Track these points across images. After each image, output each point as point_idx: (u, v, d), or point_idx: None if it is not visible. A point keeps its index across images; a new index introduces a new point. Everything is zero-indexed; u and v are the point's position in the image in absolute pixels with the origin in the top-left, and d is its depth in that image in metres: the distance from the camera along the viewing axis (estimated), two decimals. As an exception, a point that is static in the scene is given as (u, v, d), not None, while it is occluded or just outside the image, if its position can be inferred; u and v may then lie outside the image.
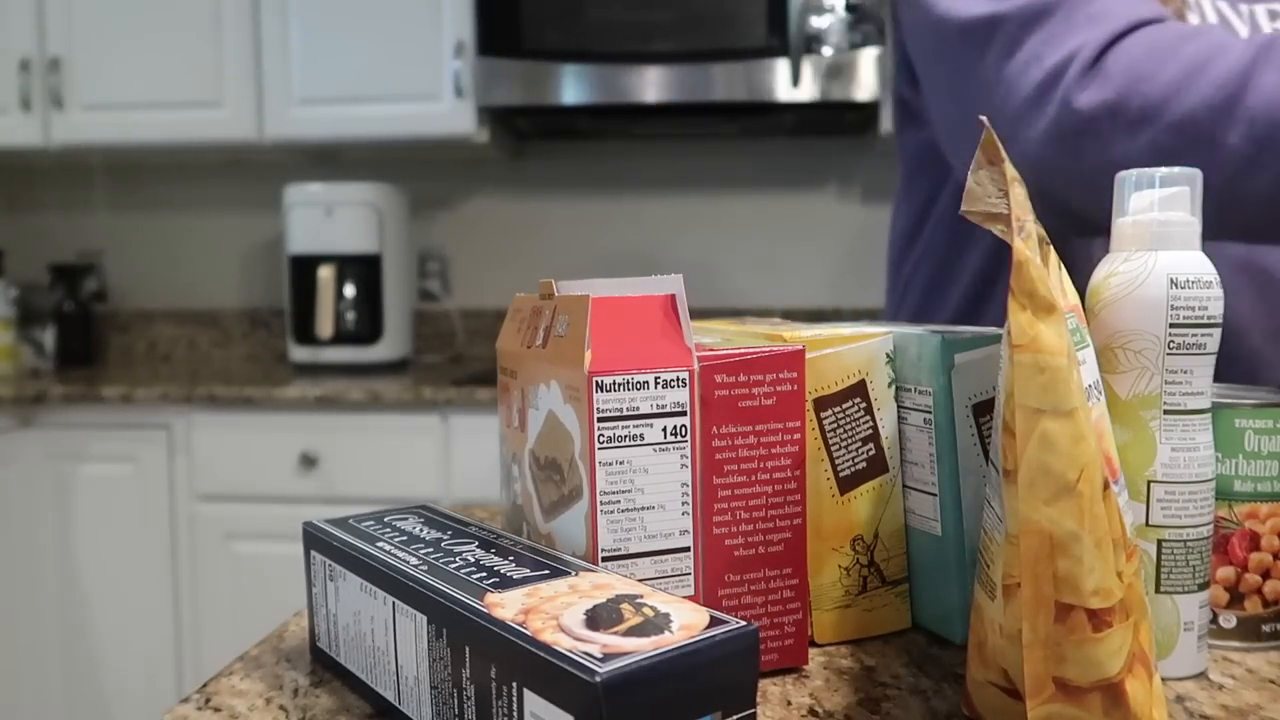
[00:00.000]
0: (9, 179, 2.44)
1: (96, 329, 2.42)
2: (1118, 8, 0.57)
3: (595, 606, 0.32)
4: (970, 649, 0.38)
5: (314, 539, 0.44)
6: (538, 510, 0.44)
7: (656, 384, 0.39)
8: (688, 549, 0.40)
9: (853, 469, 0.46)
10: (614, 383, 0.38)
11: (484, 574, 0.36)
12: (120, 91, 2.05)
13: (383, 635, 0.38)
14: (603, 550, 0.39)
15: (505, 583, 0.35)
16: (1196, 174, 0.42)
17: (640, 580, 0.40)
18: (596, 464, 0.38)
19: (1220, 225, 0.55)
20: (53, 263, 2.40)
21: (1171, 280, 0.40)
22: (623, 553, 0.39)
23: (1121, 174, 0.43)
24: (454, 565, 0.37)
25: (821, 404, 0.45)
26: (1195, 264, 0.41)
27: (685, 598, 0.40)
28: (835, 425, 0.46)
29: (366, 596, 0.39)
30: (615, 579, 0.35)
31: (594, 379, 0.38)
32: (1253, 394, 0.48)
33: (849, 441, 0.46)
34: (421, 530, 0.42)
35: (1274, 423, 0.44)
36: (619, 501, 0.39)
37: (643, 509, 0.39)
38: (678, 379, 0.39)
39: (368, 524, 0.44)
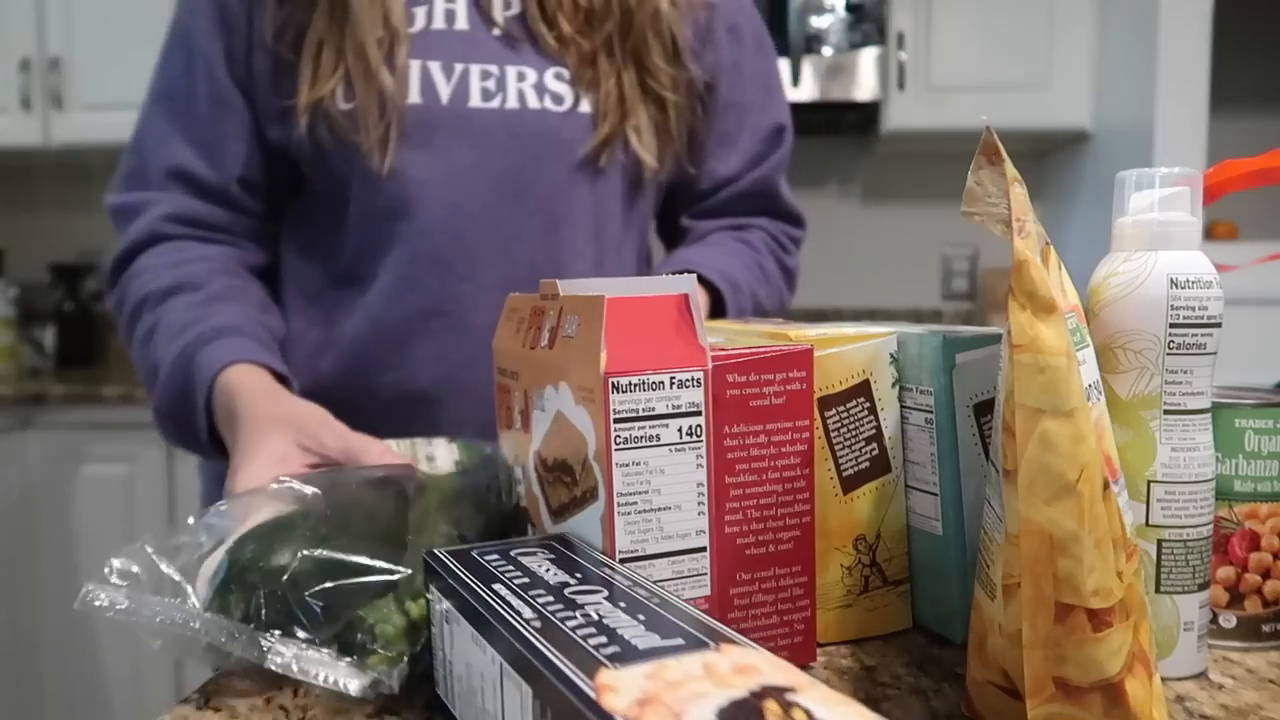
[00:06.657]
0: (9, 179, 2.44)
1: (96, 329, 2.42)
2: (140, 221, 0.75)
3: (731, 703, 0.25)
4: (970, 649, 0.38)
5: (433, 572, 0.39)
6: (545, 512, 0.44)
7: (672, 384, 0.39)
8: (704, 549, 0.40)
9: (856, 468, 0.46)
10: (630, 383, 0.38)
11: (604, 639, 0.30)
12: (120, 91, 2.05)
13: (492, 698, 0.33)
14: (620, 552, 0.38)
15: (626, 654, 0.28)
16: (1197, 174, 0.42)
17: (657, 581, 0.39)
18: (614, 465, 0.38)
19: None
20: (53, 263, 2.39)
21: (1172, 280, 0.40)
22: (640, 554, 0.39)
23: (1122, 174, 0.43)
24: (572, 623, 0.31)
25: (825, 403, 0.45)
26: (1195, 264, 0.41)
27: (700, 598, 0.40)
28: (839, 425, 0.46)
29: (478, 650, 0.34)
30: (763, 659, 0.27)
31: (610, 380, 0.38)
32: (1253, 394, 0.48)
33: (852, 441, 0.46)
34: (547, 571, 0.37)
35: (1274, 423, 0.44)
36: (636, 503, 0.38)
37: (659, 510, 0.39)
38: (693, 379, 0.39)
39: (491, 557, 0.39)
